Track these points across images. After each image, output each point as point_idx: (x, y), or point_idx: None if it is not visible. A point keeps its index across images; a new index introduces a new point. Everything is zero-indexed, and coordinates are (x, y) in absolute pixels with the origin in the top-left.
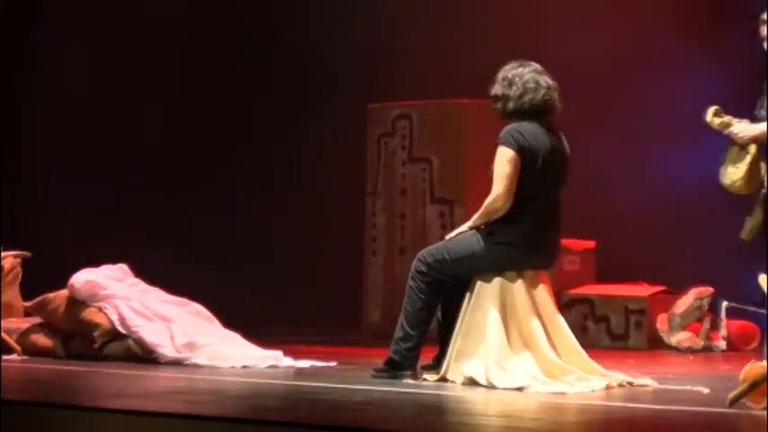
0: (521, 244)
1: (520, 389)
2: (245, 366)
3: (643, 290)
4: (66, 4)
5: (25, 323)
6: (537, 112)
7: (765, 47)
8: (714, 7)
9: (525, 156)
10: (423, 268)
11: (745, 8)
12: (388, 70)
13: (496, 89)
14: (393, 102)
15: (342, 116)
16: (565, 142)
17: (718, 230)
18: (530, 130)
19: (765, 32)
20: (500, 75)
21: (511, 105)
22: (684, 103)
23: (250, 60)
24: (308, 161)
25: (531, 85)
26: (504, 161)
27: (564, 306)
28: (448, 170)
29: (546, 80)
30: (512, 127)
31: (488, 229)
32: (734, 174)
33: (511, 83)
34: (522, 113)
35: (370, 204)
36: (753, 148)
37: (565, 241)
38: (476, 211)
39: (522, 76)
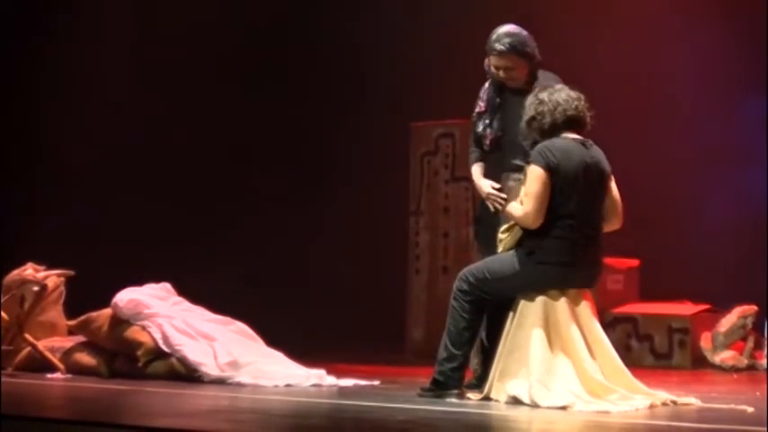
0: (562, 263)
1: (563, 408)
2: (288, 385)
3: (687, 308)
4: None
5: (69, 342)
6: (572, 123)
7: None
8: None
9: (556, 173)
10: (465, 287)
11: None
12: (431, 89)
13: (529, 113)
14: (436, 120)
15: (385, 135)
16: (603, 157)
17: (762, 249)
18: (561, 146)
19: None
20: (527, 102)
21: (548, 120)
22: (730, 123)
23: (293, 79)
24: (351, 180)
25: (562, 99)
26: (533, 179)
27: (607, 325)
28: None
29: (571, 93)
30: (543, 145)
31: (528, 248)
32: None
33: (542, 102)
34: (558, 128)
35: (413, 223)
36: None
37: (608, 260)
38: None
39: (551, 94)
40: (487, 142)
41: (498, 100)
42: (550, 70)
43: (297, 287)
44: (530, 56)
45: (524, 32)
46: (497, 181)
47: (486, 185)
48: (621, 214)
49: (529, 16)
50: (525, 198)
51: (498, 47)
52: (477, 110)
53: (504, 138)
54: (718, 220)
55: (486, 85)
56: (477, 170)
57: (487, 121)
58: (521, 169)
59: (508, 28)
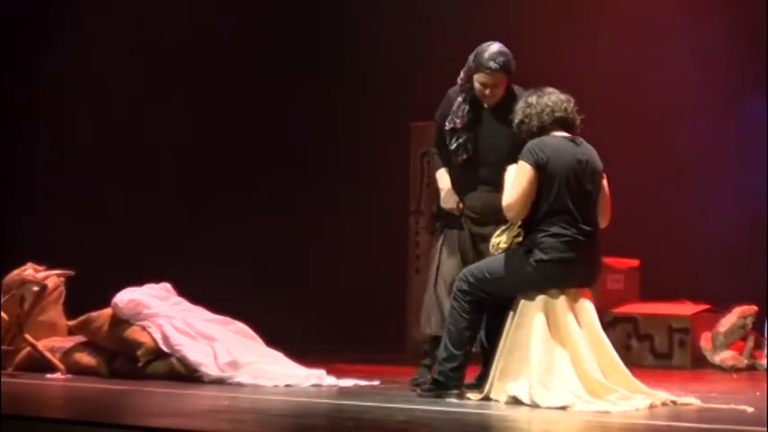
0: (560, 260)
1: (563, 408)
2: (288, 385)
3: (687, 308)
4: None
5: (69, 342)
6: (560, 123)
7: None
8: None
9: (544, 170)
10: (465, 287)
11: None
12: (431, 88)
13: (518, 116)
14: None
15: (385, 134)
16: (595, 155)
17: (761, 248)
18: (552, 144)
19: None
20: (517, 107)
21: (535, 122)
22: (730, 123)
23: (293, 78)
24: (352, 179)
25: (550, 101)
26: (520, 175)
27: (608, 325)
28: None
29: (560, 96)
30: (533, 142)
31: (527, 246)
32: None
33: (530, 105)
34: (547, 129)
35: (413, 223)
36: None
37: (608, 260)
38: None
39: (539, 97)
40: (459, 160)
41: (472, 117)
42: (550, 71)
43: (297, 287)
44: (513, 73)
45: (508, 50)
46: (468, 193)
47: (450, 201)
48: (609, 213)
49: (529, 17)
50: (511, 190)
51: (493, 65)
52: (450, 125)
53: (477, 157)
54: (718, 220)
55: (460, 99)
56: (444, 177)
57: (461, 141)
58: (496, 183)
59: (498, 47)
